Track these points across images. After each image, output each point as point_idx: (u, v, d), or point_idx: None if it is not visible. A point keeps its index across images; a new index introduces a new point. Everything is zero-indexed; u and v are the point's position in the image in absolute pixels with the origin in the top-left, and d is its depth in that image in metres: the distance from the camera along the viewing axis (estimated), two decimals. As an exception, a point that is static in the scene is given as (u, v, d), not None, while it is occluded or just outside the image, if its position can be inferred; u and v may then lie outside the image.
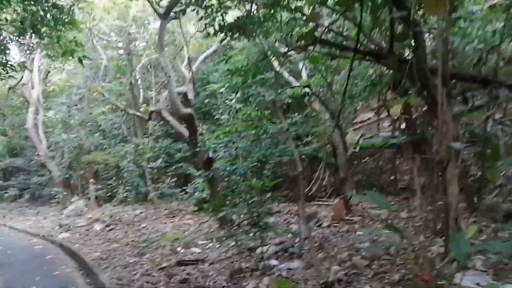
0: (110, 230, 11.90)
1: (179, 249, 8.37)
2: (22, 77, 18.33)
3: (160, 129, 15.39)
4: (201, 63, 13.83)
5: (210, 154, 10.36)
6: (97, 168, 17.35)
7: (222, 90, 13.46)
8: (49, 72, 24.03)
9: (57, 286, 6.89)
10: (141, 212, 14.03)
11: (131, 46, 16.04)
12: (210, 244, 8.45)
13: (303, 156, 10.03)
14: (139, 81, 16.37)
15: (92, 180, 16.67)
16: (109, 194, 15.74)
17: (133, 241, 10.34)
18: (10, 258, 9.05)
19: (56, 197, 17.91)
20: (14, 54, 16.68)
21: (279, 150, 9.93)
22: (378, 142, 2.75)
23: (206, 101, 13.38)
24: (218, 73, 14.37)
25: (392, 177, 10.87)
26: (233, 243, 7.36)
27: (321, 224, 7.93)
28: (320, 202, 10.14)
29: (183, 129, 10.40)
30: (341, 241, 6.41)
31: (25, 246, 10.76)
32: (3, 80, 9.04)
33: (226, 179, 9.61)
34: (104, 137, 16.99)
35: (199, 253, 7.96)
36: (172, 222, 12.25)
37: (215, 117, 13.94)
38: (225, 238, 8.66)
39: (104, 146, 16.49)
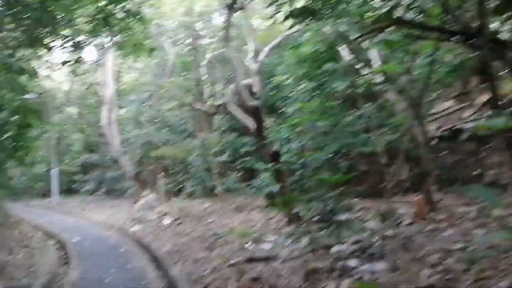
0: (179, 224, 12.03)
1: (248, 245, 8.15)
2: (98, 77, 19.22)
3: (225, 124, 15.38)
4: (266, 55, 13.56)
5: (276, 148, 10.05)
6: (165, 163, 17.75)
7: (288, 81, 13.10)
8: (120, 72, 25.18)
9: (130, 279, 6.95)
10: (208, 206, 14.11)
11: (197, 42, 16.15)
12: (280, 241, 8.12)
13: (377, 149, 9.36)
14: (204, 77, 16.47)
15: (161, 174, 17.09)
16: (177, 188, 16.02)
17: (201, 235, 10.32)
18: (87, 250, 9.40)
19: (129, 191, 18.63)
20: (90, 54, 17.53)
21: (358, 141, 9.31)
22: (499, 124, 2.20)
23: (272, 93, 13.08)
24: (284, 65, 14.04)
25: (476, 172, 9.87)
26: (306, 240, 6.99)
27: (401, 222, 7.29)
28: (397, 199, 9.42)
29: (249, 122, 10.17)
30: (428, 242, 5.77)
31: (101, 238, 11.18)
32: (78, 77, 9.35)
33: (295, 173, 9.23)
34: (172, 133, 17.35)
35: (269, 249, 7.67)
36: (239, 216, 12.13)
37: (281, 111, 13.61)
38: (296, 235, 8.33)
39: (172, 142, 16.83)
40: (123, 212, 16.02)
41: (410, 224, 7.12)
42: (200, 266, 7.22)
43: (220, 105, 11.29)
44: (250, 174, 15.41)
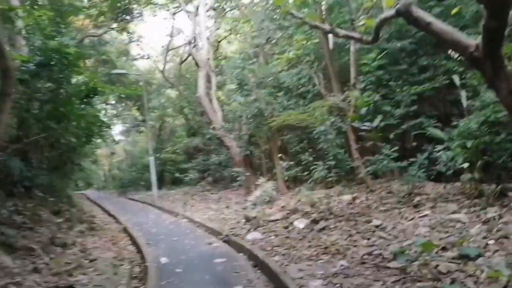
0: (321, 229, 7.47)
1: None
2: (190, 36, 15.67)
3: (375, 71, 10.17)
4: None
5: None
6: (283, 140, 13.36)
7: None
8: (219, 41, 21.63)
9: None
10: (354, 198, 9.35)
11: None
12: None
13: None
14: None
15: (279, 155, 12.78)
16: (304, 172, 11.42)
17: (370, 253, 5.70)
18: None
19: (238, 179, 14.67)
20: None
21: None
22: None
23: None
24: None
25: None
26: None
27: None
28: None
29: (459, 34, 5.06)
30: None
31: (203, 255, 7.06)
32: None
33: None
34: (290, 98, 12.73)
35: None
36: (422, 215, 7.13)
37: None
38: None
39: (291, 109, 12.23)
40: (232, 207, 12.08)
41: None
42: None
43: (382, 22, 6.30)
44: (411, 147, 10.20)
